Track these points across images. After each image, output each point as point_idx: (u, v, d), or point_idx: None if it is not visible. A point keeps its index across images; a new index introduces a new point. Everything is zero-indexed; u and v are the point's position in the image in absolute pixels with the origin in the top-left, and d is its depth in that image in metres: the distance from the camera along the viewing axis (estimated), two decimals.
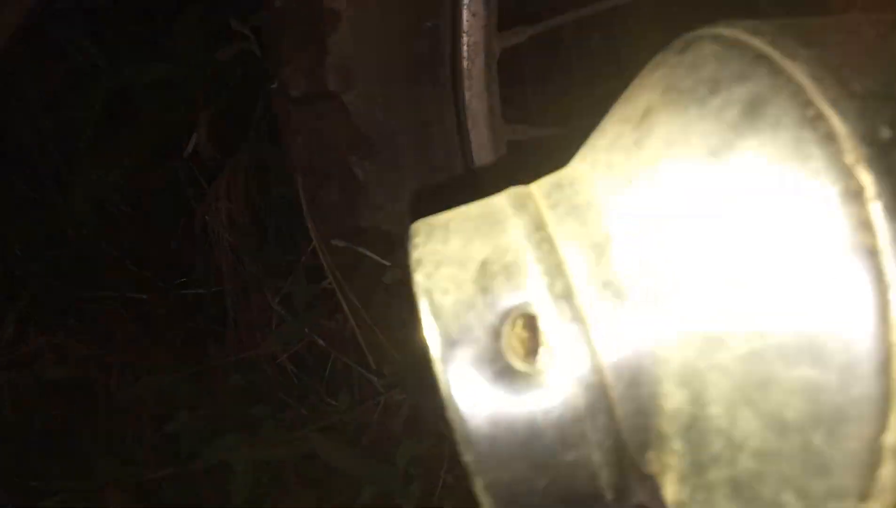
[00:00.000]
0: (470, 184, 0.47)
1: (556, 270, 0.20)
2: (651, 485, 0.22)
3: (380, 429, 1.01)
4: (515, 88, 0.87)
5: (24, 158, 1.19)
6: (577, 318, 0.19)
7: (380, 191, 0.49)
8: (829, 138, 0.17)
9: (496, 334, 0.20)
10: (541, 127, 0.57)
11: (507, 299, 0.20)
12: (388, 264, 0.49)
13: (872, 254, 0.16)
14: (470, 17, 0.47)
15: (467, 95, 0.49)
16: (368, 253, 0.49)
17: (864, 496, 0.17)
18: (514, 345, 0.20)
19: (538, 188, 0.23)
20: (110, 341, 1.17)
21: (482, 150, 0.51)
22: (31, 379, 0.89)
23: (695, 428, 0.19)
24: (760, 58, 0.19)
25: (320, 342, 0.99)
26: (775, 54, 0.19)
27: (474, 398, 0.19)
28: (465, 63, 0.48)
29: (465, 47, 0.47)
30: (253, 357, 1.04)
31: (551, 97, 0.87)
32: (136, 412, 1.08)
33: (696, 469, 0.20)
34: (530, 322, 0.20)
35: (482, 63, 0.48)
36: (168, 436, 0.98)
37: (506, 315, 0.20)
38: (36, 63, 1.09)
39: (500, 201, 0.23)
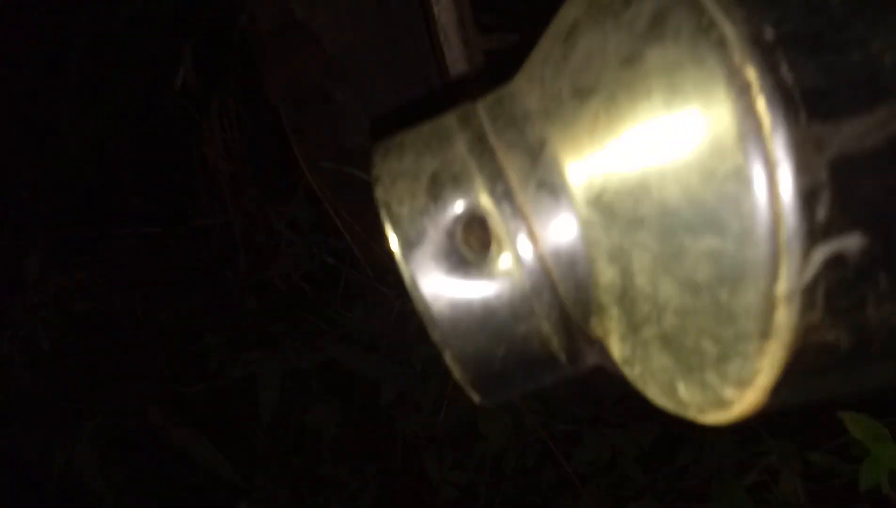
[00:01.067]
0: (445, 99, 0.49)
1: (496, 175, 0.23)
2: (599, 347, 0.25)
3: (394, 336, 1.07)
4: None
5: (17, 108, 1.20)
6: (518, 214, 0.22)
7: (359, 112, 0.51)
8: (720, 43, 0.19)
9: (449, 234, 0.23)
10: (516, 33, 0.57)
11: (456, 204, 0.23)
12: (367, 177, 0.52)
13: (759, 139, 0.18)
14: None
15: (436, 9, 0.50)
16: (357, 172, 0.52)
17: (764, 335, 0.20)
18: (468, 242, 0.23)
19: (483, 104, 0.26)
20: (128, 275, 1.22)
21: (456, 63, 0.52)
22: (63, 315, 0.94)
23: (626, 296, 0.22)
24: None
25: (329, 260, 1.03)
26: None
27: (435, 287, 0.23)
28: None
29: None
30: (267, 279, 1.09)
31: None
32: (161, 337, 1.15)
33: (632, 329, 0.23)
34: (480, 222, 0.23)
35: None
36: (194, 356, 1.04)
37: (456, 218, 0.23)
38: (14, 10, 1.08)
39: (449, 118, 0.25)
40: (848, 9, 0.19)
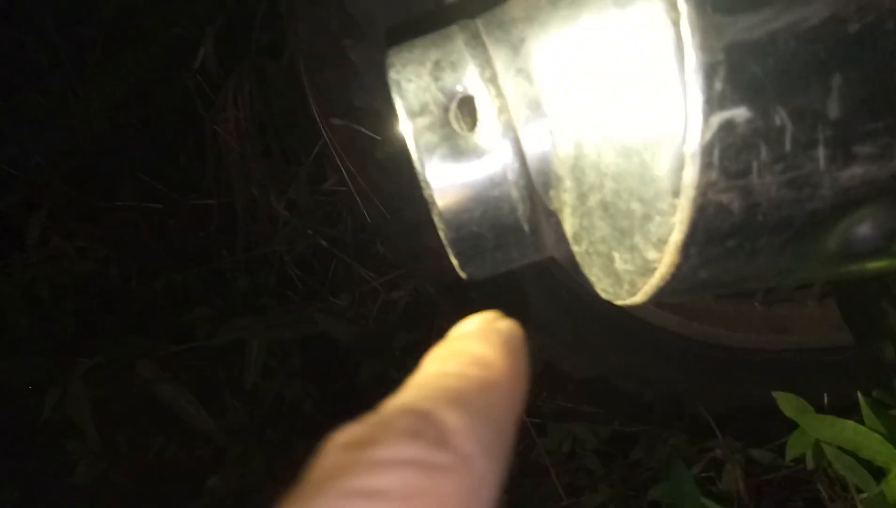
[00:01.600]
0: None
1: (485, 63, 0.29)
2: (555, 222, 0.31)
3: (377, 323, 1.12)
4: None
5: (38, 74, 1.26)
6: (500, 95, 0.29)
7: (370, 74, 0.57)
8: None
9: (445, 109, 0.29)
10: None
11: (452, 84, 0.29)
12: (379, 138, 0.58)
13: (676, 24, 0.24)
14: None
15: None
16: (362, 129, 0.58)
17: (675, 192, 0.26)
18: (459, 117, 0.29)
19: (481, 17, 0.32)
20: (127, 244, 1.27)
21: None
22: (63, 273, 0.98)
23: (577, 166, 0.28)
24: None
25: (323, 242, 1.08)
26: None
27: (430, 149, 0.29)
28: None
29: None
30: (261, 257, 1.14)
31: None
32: (153, 305, 1.19)
33: (581, 199, 0.29)
34: (470, 102, 0.29)
35: None
36: (184, 324, 1.09)
37: (451, 95, 0.29)
38: None
39: (452, 26, 0.32)
40: None
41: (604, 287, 0.33)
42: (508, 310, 0.26)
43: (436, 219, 0.30)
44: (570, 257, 0.34)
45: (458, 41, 0.30)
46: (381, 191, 0.64)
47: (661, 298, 0.32)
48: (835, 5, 0.25)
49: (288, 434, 1.08)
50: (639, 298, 0.32)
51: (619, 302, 0.33)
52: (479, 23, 0.31)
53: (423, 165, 0.29)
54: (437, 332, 1.12)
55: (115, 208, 1.26)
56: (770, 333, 0.85)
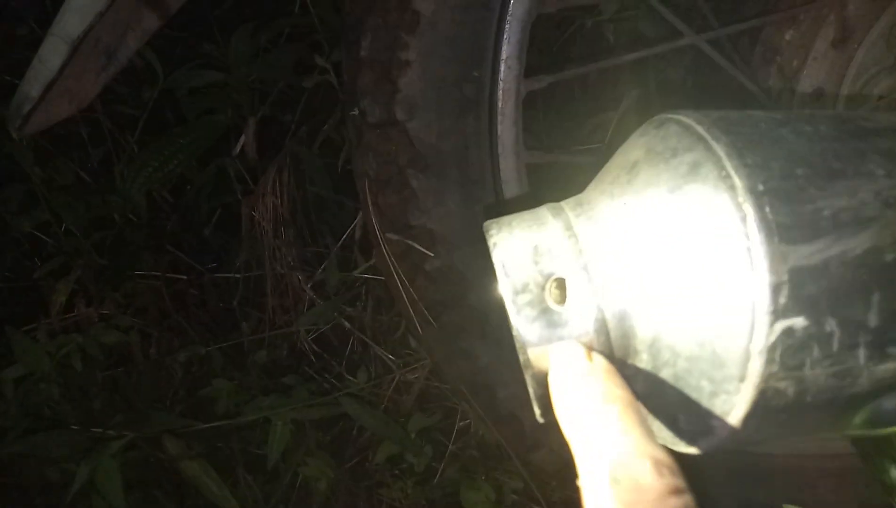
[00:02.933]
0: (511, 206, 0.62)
1: (578, 253, 0.34)
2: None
3: (393, 404, 1.15)
4: (533, 123, 1.03)
5: (78, 146, 1.32)
6: (590, 280, 0.34)
7: (428, 197, 0.63)
8: (731, 189, 0.31)
9: (542, 288, 0.34)
10: (552, 153, 0.71)
11: (549, 268, 0.35)
12: (431, 254, 0.63)
13: (749, 250, 0.30)
14: (506, 69, 0.61)
15: (500, 128, 0.63)
16: (415, 245, 0.64)
17: (742, 378, 0.31)
18: (554, 295, 0.34)
19: (566, 204, 0.38)
20: (147, 315, 1.30)
21: (508, 170, 0.66)
22: (93, 344, 1.02)
23: (654, 346, 0.34)
24: (700, 139, 0.34)
25: (346, 324, 1.13)
26: (708, 137, 0.33)
27: (530, 321, 0.34)
28: (499, 104, 0.62)
29: (500, 91, 0.62)
30: (284, 335, 1.18)
31: (558, 126, 1.02)
32: (172, 377, 1.22)
33: (655, 369, 0.34)
34: (562, 284, 0.34)
35: (512, 104, 0.63)
36: (203, 400, 1.11)
37: (548, 277, 0.34)
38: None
39: (543, 210, 0.37)
40: (806, 178, 0.32)
41: (663, 437, 0.38)
42: None
43: (527, 377, 0.35)
44: None
45: (553, 229, 0.36)
46: (426, 299, 0.69)
47: (712, 452, 0.37)
48: (875, 238, 0.31)
49: None
50: (694, 450, 0.37)
51: (675, 449, 0.38)
52: (568, 212, 0.37)
53: (523, 335, 0.34)
54: (457, 417, 1.15)
55: (138, 276, 1.30)
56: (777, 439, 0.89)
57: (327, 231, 1.23)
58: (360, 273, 1.06)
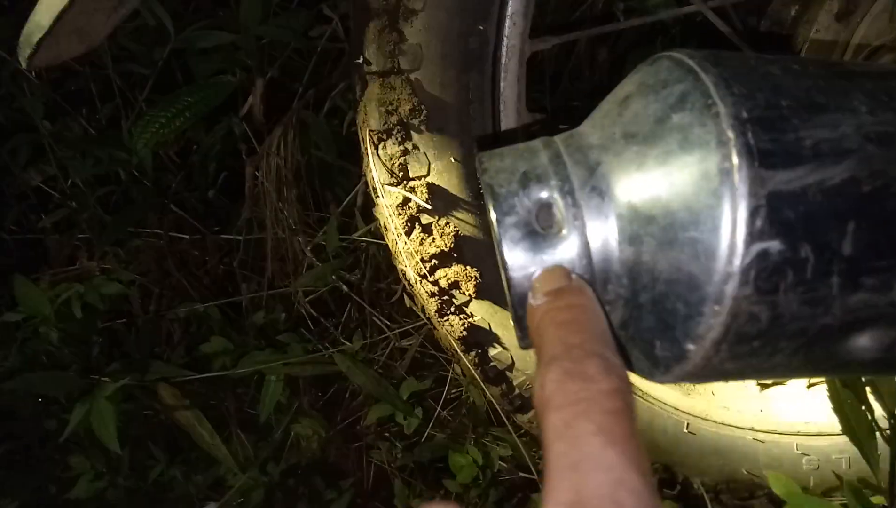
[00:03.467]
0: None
1: (565, 179, 0.35)
2: (608, 311, 0.37)
3: (386, 369, 1.16)
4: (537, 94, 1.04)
5: (87, 102, 1.33)
6: (576, 205, 0.35)
7: (428, 150, 0.64)
8: (716, 116, 0.32)
9: (529, 211, 0.35)
10: (553, 120, 0.72)
11: (537, 193, 0.36)
12: (429, 207, 0.64)
13: (730, 172, 0.31)
14: (511, 25, 0.62)
15: (502, 84, 0.64)
16: (413, 197, 0.65)
17: (717, 300, 0.32)
18: (540, 220, 0.35)
19: (558, 137, 0.39)
20: (149, 272, 1.32)
21: (509, 128, 0.67)
22: (94, 293, 1.03)
23: (634, 269, 0.35)
24: (690, 70, 0.34)
25: (344, 287, 1.14)
26: (698, 69, 0.34)
27: (514, 242, 0.35)
28: (503, 60, 0.63)
29: (504, 48, 0.63)
30: (282, 297, 1.19)
31: (565, 105, 1.03)
32: (170, 333, 1.23)
33: (633, 294, 0.35)
34: (549, 208, 0.35)
35: (516, 61, 0.63)
36: (200, 356, 1.13)
37: (536, 202, 0.35)
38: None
39: (535, 142, 0.38)
40: (790, 109, 0.32)
41: (640, 367, 0.39)
42: None
43: (509, 297, 0.36)
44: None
45: (542, 158, 0.37)
46: (422, 252, 0.70)
47: (687, 381, 0.38)
48: (853, 169, 0.32)
49: (290, 470, 1.12)
50: (669, 379, 0.38)
51: (651, 380, 0.39)
52: (559, 143, 0.38)
53: (507, 254, 0.35)
54: (446, 384, 1.17)
55: (142, 234, 1.31)
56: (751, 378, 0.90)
57: (330, 196, 1.24)
58: (360, 236, 1.07)
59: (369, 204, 1.21)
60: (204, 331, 1.23)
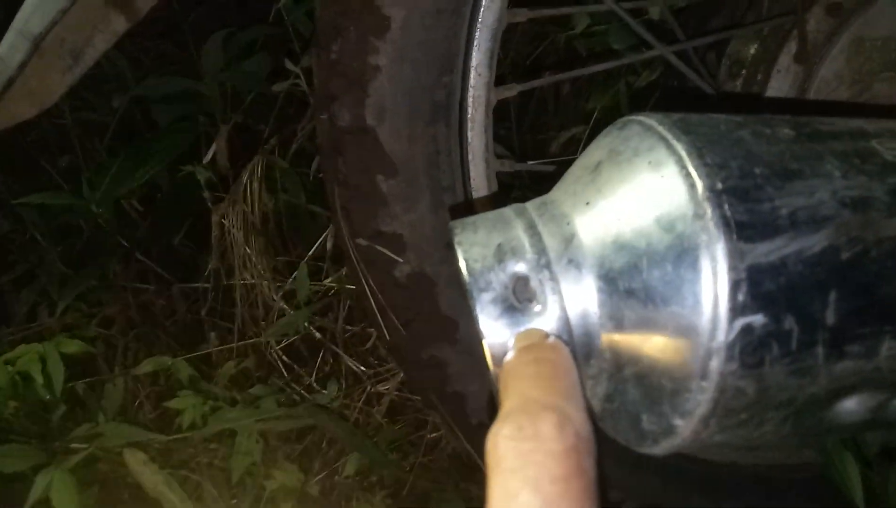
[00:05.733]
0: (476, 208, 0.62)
1: (541, 252, 0.34)
2: (591, 385, 0.36)
3: (363, 416, 1.14)
4: (506, 135, 1.04)
5: (46, 152, 1.30)
6: (553, 278, 0.34)
7: (398, 203, 0.63)
8: (691, 187, 0.31)
9: (505, 286, 0.34)
10: (521, 163, 0.72)
11: (513, 266, 0.34)
12: (400, 260, 0.63)
13: (709, 246, 0.31)
14: (476, 76, 0.61)
15: (470, 134, 0.63)
16: (385, 251, 0.63)
17: (703, 376, 0.31)
18: (517, 294, 0.34)
19: (531, 204, 0.38)
20: (113, 325, 1.27)
21: (478, 177, 0.66)
22: (57, 357, 0.99)
23: (616, 344, 0.34)
24: (662, 139, 0.34)
25: (316, 334, 1.11)
26: (670, 136, 0.34)
27: (493, 319, 0.34)
28: (469, 111, 0.62)
29: (470, 98, 0.62)
30: (253, 346, 1.16)
31: (531, 140, 1.04)
32: (137, 389, 1.19)
33: (618, 368, 0.34)
34: (526, 281, 0.34)
35: (482, 112, 0.63)
36: (169, 412, 1.09)
37: (512, 276, 0.34)
38: None
39: (507, 211, 0.37)
40: (764, 177, 0.32)
41: (629, 438, 0.38)
42: None
43: (491, 374, 0.35)
44: (594, 409, 0.39)
45: (516, 229, 0.36)
46: (396, 305, 0.68)
47: (677, 451, 0.37)
48: (831, 237, 0.31)
49: None
50: (658, 451, 0.37)
51: (640, 451, 0.38)
52: (532, 212, 0.37)
53: (486, 332, 0.34)
54: (426, 430, 1.14)
55: (106, 286, 1.27)
56: (742, 449, 0.90)
57: (299, 241, 1.22)
58: (332, 282, 1.05)
59: (340, 247, 1.19)
60: (172, 384, 1.19)
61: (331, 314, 1.20)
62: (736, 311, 0.30)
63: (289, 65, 0.82)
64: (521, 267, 0.34)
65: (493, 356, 0.34)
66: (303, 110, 1.29)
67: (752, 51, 0.71)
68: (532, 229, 0.35)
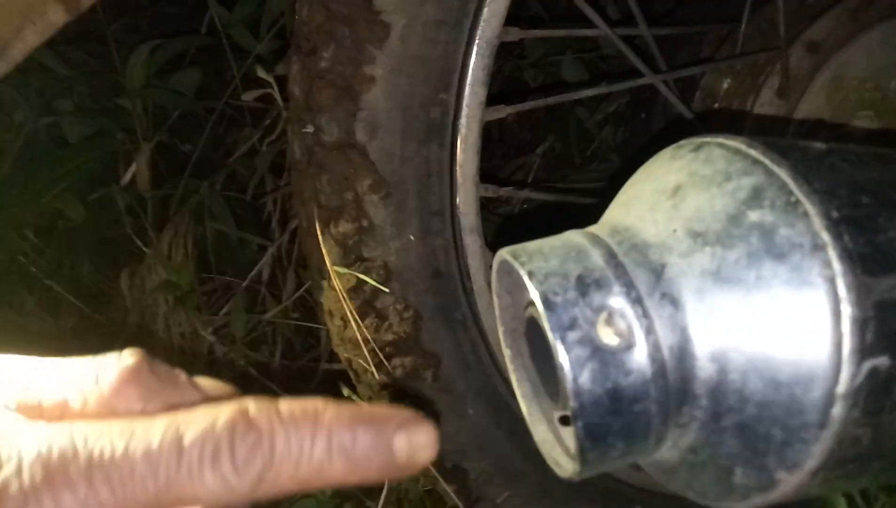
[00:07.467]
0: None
1: (630, 284, 0.30)
2: (677, 435, 0.32)
3: None
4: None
5: None
6: (647, 315, 0.30)
7: (385, 228, 0.57)
8: (804, 216, 0.28)
9: (592, 323, 0.30)
10: (505, 189, 0.68)
11: (599, 301, 0.30)
12: (386, 290, 0.57)
13: (832, 281, 0.27)
14: (472, 95, 0.57)
15: (461, 157, 0.59)
16: (369, 280, 0.57)
17: (822, 425, 0.28)
18: (604, 332, 0.30)
19: (598, 230, 0.34)
20: None
21: (466, 201, 0.62)
22: None
23: (718, 390, 0.30)
24: (757, 162, 0.31)
25: (253, 372, 1.01)
26: (767, 161, 0.31)
27: (580, 364, 0.29)
28: (463, 131, 0.58)
29: (464, 118, 0.58)
30: None
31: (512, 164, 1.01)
32: None
33: (714, 418, 0.30)
34: (611, 320, 0.30)
35: (476, 132, 0.59)
36: None
37: (598, 311, 0.30)
38: None
39: (576, 236, 0.33)
40: (873, 207, 0.29)
41: (703, 492, 0.34)
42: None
43: (575, 430, 0.30)
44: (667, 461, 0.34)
45: (595, 258, 0.31)
46: (377, 340, 0.62)
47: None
48: None
49: None
50: (743, 507, 0.33)
51: (712, 504, 0.34)
52: (607, 239, 0.32)
53: (573, 380, 0.29)
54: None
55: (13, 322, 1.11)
56: None
57: (233, 273, 1.12)
58: (273, 318, 0.97)
59: (277, 279, 1.10)
60: None
61: (264, 347, 1.11)
62: (864, 352, 0.27)
63: (261, 73, 0.74)
64: (608, 302, 0.30)
65: (586, 410, 0.29)
66: (235, 130, 1.20)
67: (726, 85, 0.72)
68: (614, 260, 0.31)
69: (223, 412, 0.25)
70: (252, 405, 0.25)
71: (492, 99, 0.61)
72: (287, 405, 0.25)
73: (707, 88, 0.73)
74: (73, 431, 0.24)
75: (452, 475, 0.72)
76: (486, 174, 0.95)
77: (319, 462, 0.25)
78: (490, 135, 1.32)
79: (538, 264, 0.32)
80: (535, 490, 0.76)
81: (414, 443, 0.27)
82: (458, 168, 0.59)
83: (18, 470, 0.22)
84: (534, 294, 0.30)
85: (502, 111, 0.63)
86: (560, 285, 0.30)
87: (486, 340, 0.67)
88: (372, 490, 1.03)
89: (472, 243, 0.63)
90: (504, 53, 1.17)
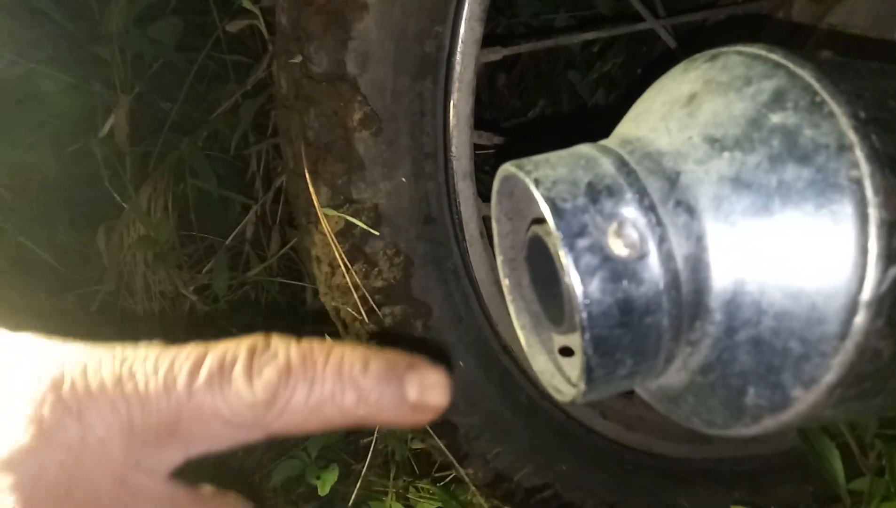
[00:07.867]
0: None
1: (643, 192, 0.29)
2: (688, 353, 0.30)
3: None
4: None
5: None
6: (660, 223, 0.28)
7: (376, 168, 0.55)
8: (830, 115, 0.27)
9: (603, 231, 0.28)
10: (499, 136, 0.66)
11: (610, 208, 0.28)
12: (376, 233, 0.55)
13: (859, 182, 0.26)
14: (468, 30, 0.55)
15: (455, 95, 0.57)
16: (359, 222, 0.55)
17: (843, 336, 0.26)
18: (615, 241, 0.28)
19: (609, 142, 0.32)
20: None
21: (459, 146, 0.59)
22: None
23: (733, 302, 0.28)
24: (779, 65, 0.29)
25: (235, 332, 0.99)
26: (790, 63, 0.29)
27: (590, 272, 0.27)
28: (458, 69, 0.56)
29: (459, 55, 0.56)
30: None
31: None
32: None
33: (728, 332, 0.29)
34: (622, 229, 0.28)
35: (471, 71, 0.57)
36: None
37: (609, 218, 0.28)
38: None
39: (585, 148, 0.31)
40: None
41: (710, 418, 0.33)
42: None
43: (583, 343, 0.28)
44: (674, 384, 0.33)
45: (606, 166, 0.29)
46: (366, 286, 0.60)
47: (764, 432, 0.32)
48: None
49: None
50: (749, 431, 0.32)
51: (717, 432, 0.33)
52: (618, 149, 0.31)
53: (581, 288, 0.27)
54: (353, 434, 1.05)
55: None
56: (696, 442, 0.89)
57: (216, 231, 1.08)
58: (257, 276, 0.94)
59: (262, 239, 1.07)
60: None
61: (248, 308, 1.08)
62: (891, 257, 0.26)
63: (247, 4, 0.70)
64: (620, 209, 0.28)
65: (593, 320, 0.27)
66: (217, 85, 1.16)
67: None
68: (625, 167, 0.29)
69: (246, 339, 0.27)
70: (272, 336, 0.27)
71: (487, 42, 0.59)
72: (305, 339, 0.27)
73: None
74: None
75: (441, 430, 0.70)
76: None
77: (332, 388, 0.26)
78: (480, 98, 1.30)
79: (545, 171, 0.30)
80: (525, 447, 0.75)
81: (425, 382, 0.28)
82: (451, 108, 0.57)
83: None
84: (540, 201, 0.29)
85: (498, 53, 0.60)
86: (569, 192, 0.29)
87: (479, 291, 0.66)
88: (358, 452, 1.02)
89: (466, 189, 0.61)
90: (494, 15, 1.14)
